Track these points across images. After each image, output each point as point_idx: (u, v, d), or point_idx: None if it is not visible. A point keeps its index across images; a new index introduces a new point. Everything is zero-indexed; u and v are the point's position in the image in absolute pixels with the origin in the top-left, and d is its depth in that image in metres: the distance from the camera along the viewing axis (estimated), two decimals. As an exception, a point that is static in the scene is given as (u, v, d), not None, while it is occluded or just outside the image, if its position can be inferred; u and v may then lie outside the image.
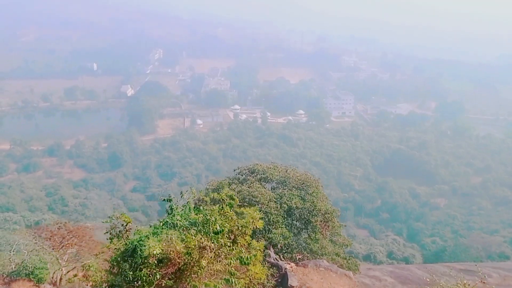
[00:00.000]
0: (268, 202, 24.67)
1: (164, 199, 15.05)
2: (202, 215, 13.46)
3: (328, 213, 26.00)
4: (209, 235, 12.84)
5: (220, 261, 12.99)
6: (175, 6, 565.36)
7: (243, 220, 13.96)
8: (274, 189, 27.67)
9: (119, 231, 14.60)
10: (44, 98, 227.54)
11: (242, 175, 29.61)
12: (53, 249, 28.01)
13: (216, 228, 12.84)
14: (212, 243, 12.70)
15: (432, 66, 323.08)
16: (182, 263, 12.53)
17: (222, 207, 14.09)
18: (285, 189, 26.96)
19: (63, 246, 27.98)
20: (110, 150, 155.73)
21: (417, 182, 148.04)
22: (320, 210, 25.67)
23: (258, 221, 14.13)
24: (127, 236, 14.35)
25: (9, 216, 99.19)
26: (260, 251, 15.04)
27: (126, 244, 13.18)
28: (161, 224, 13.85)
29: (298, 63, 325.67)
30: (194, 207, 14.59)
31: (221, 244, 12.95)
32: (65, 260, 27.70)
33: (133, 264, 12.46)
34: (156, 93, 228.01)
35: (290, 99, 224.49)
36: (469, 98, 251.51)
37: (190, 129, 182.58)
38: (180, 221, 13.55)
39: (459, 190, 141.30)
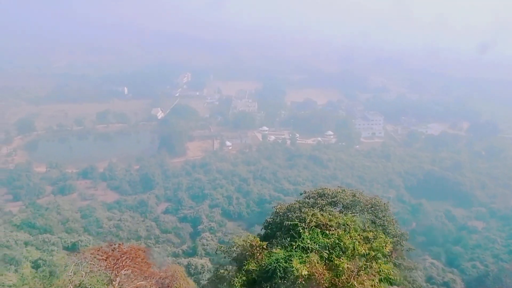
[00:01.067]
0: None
1: (290, 224, 15.18)
2: (332, 239, 13.57)
3: (397, 237, 25.51)
4: (340, 257, 12.89)
5: (363, 281, 13.00)
6: (199, 29, 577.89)
7: (374, 244, 13.97)
8: (341, 213, 27.34)
9: (252, 253, 14.74)
10: (78, 122, 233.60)
11: (310, 199, 29.40)
12: (111, 270, 28.27)
13: (362, 252, 12.92)
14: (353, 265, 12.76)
15: (460, 85, 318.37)
16: (328, 284, 12.62)
17: (349, 231, 14.15)
18: (355, 213, 26.60)
19: (117, 267, 28.18)
20: (142, 172, 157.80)
21: (452, 204, 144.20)
22: (389, 234, 25.19)
23: (388, 245, 14.14)
24: (261, 258, 14.48)
25: (47, 237, 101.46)
26: (389, 273, 14.97)
27: (262, 265, 13.32)
28: (294, 247, 13.98)
29: (324, 84, 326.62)
30: (320, 232, 14.69)
31: (362, 266, 12.98)
32: (118, 282, 27.90)
33: (274, 284, 12.60)
34: (186, 116, 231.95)
35: (319, 120, 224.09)
36: (502, 118, 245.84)
37: (219, 151, 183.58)
38: (310, 244, 13.66)
39: (497, 213, 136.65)
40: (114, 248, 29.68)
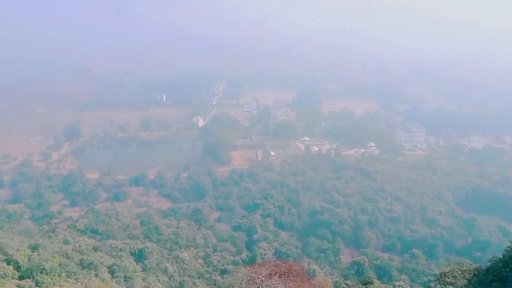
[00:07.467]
0: None
1: None
2: None
3: None
4: None
5: None
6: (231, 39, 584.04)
7: None
8: None
9: None
10: (122, 129, 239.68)
11: None
12: (283, 284, 30.22)
13: None
14: None
15: (501, 96, 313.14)
16: None
17: None
18: None
19: (282, 281, 30.34)
20: (191, 180, 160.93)
21: (504, 219, 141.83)
22: None
23: None
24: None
25: (114, 243, 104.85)
26: None
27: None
28: None
29: (360, 94, 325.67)
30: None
31: None
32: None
33: None
34: (227, 124, 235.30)
35: (359, 131, 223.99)
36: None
37: (264, 160, 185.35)
38: None
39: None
40: (278, 264, 31.87)
